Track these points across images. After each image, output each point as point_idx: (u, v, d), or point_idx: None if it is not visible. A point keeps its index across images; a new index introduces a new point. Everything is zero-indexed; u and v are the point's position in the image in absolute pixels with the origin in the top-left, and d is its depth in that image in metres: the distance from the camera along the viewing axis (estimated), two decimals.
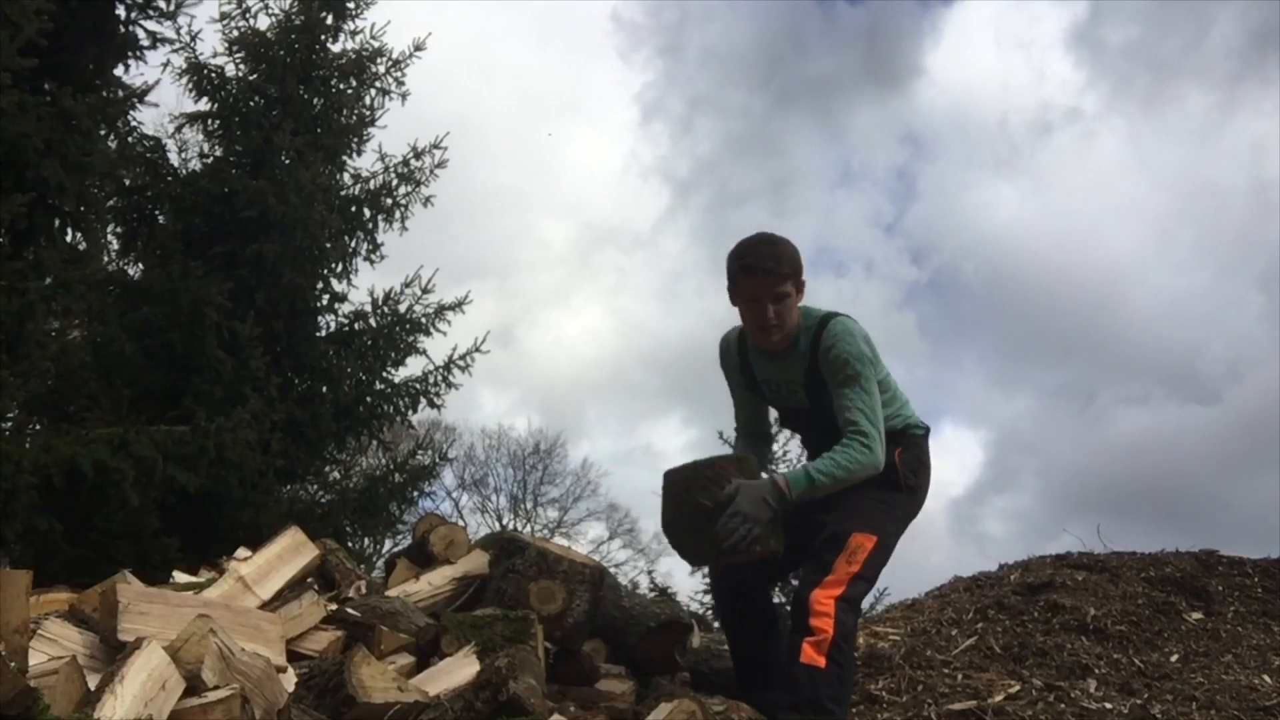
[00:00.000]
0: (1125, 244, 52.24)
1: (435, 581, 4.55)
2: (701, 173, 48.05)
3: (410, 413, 9.66)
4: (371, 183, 9.95)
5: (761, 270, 3.28)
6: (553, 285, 45.16)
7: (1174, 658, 4.52)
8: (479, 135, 42.16)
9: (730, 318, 3.60)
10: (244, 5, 9.76)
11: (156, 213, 9.09)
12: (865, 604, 4.09)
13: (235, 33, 9.68)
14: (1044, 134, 52.43)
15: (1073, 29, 60.26)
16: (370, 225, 9.84)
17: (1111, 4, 61.49)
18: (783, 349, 3.45)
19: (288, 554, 4.32)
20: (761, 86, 53.28)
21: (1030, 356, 46.32)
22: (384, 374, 9.63)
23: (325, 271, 9.45)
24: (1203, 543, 5.96)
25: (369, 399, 9.35)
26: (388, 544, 11.69)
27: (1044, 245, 50.10)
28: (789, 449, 12.02)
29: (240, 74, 9.65)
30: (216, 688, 2.95)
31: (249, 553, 4.35)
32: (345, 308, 9.69)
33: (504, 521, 29.30)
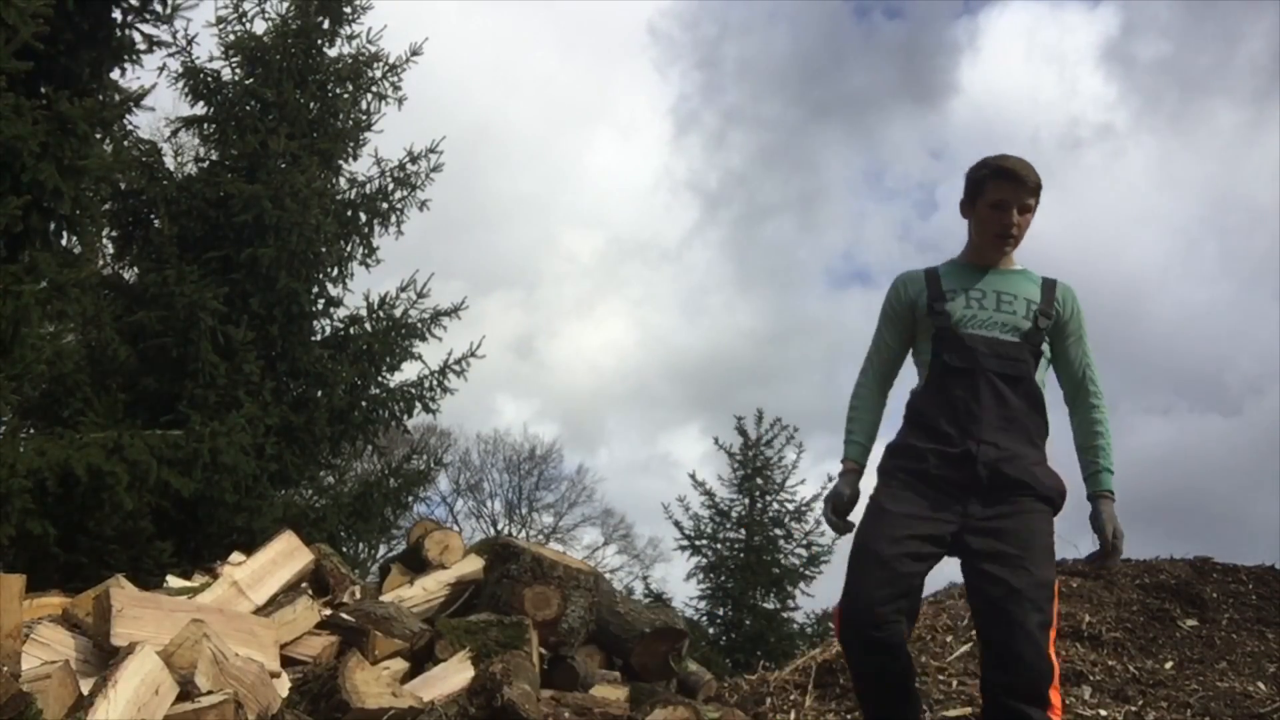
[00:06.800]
0: (1150, 256, 52.41)
1: (430, 587, 4.55)
2: (732, 185, 48.42)
3: (405, 417, 9.66)
4: (367, 187, 9.95)
5: (1017, 178, 3.16)
6: (578, 297, 45.44)
7: (1169, 665, 4.52)
8: (504, 145, 42.42)
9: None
10: (240, 9, 9.78)
11: (152, 216, 9.07)
12: None
13: (231, 37, 9.69)
14: (1074, 149, 52.68)
15: (1104, 44, 60.60)
16: (366, 230, 9.85)
17: (1143, 20, 61.90)
18: (1005, 266, 3.28)
19: (282, 559, 4.32)
20: (797, 100, 53.53)
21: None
22: (379, 378, 9.62)
23: (320, 276, 9.44)
24: (1215, 554, 5.94)
25: (364, 403, 9.33)
26: (382, 549, 11.66)
27: (1068, 257, 50.19)
28: None
29: (236, 78, 9.65)
30: (210, 693, 2.95)
31: (243, 557, 4.35)
32: (340, 312, 9.70)
33: (499, 527, 29.28)
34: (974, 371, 3.12)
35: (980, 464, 3.03)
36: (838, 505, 3.22)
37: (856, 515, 3.23)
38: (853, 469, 3.30)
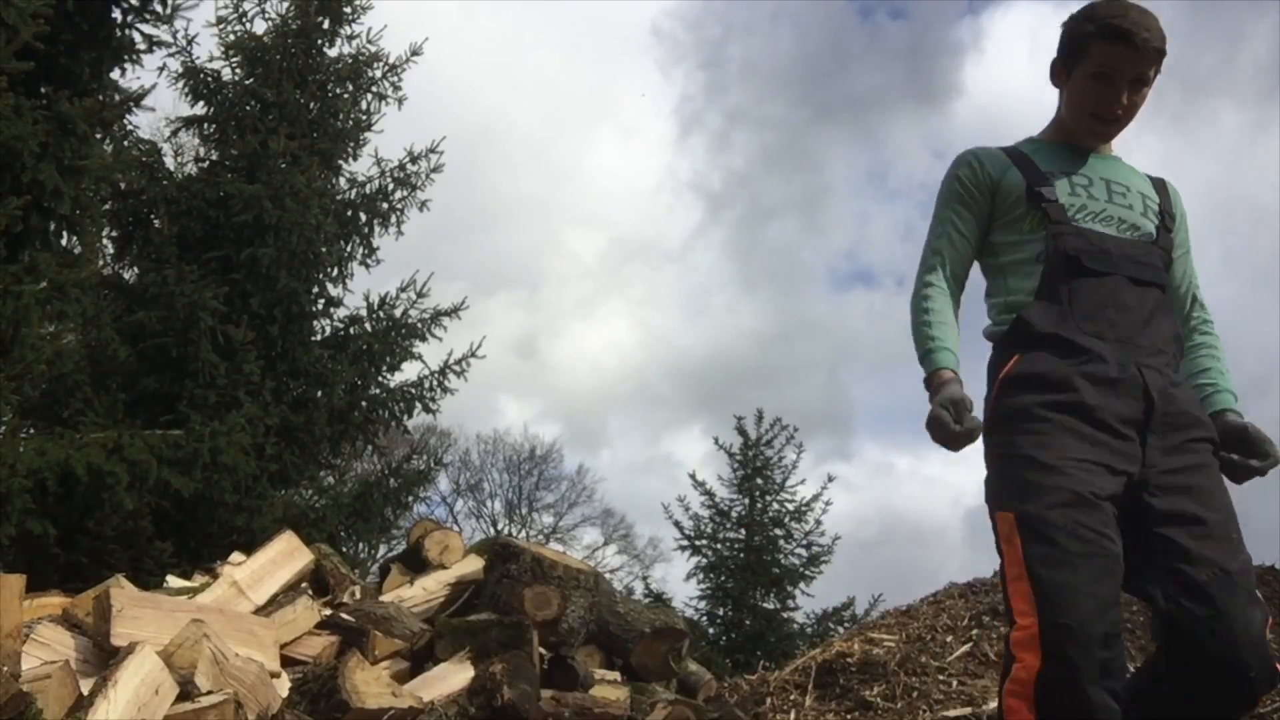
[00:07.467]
0: None
1: (429, 587, 4.55)
2: (735, 186, 48.46)
3: (405, 418, 9.67)
4: (367, 187, 9.96)
5: (1134, 42, 2.31)
6: (580, 297, 45.61)
7: None
8: (506, 145, 42.58)
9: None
10: (240, 9, 9.79)
11: (152, 217, 9.09)
12: (860, 609, 3.99)
13: (231, 37, 9.71)
14: None
15: None
16: (366, 230, 9.86)
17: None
18: (1106, 152, 2.52)
19: (282, 559, 4.32)
20: (801, 100, 53.57)
21: None
22: (379, 379, 9.64)
23: (320, 276, 9.45)
24: None
25: (364, 403, 9.35)
26: (382, 549, 11.67)
27: None
28: None
29: (236, 78, 9.66)
30: (210, 693, 2.95)
31: (243, 557, 4.35)
32: (340, 312, 9.72)
33: (499, 527, 29.28)
34: (1114, 275, 2.31)
35: (1154, 391, 2.21)
36: (960, 412, 2.22)
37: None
38: (952, 378, 2.31)
